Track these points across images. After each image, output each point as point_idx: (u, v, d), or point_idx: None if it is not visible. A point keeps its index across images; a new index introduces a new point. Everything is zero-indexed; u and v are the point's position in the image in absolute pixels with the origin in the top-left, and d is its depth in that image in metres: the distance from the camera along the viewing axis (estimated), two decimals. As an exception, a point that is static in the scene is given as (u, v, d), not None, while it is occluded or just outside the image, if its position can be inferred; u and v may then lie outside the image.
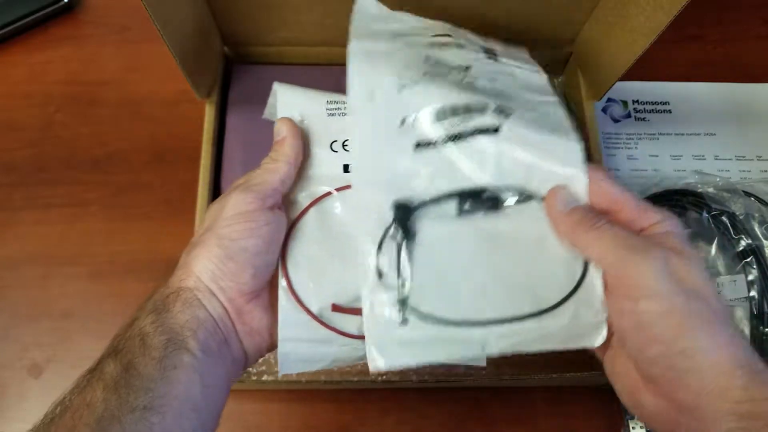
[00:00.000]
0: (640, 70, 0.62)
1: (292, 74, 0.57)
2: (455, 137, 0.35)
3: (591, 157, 0.53)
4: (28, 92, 0.61)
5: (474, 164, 0.35)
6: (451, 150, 0.35)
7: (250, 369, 0.50)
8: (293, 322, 0.34)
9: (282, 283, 0.35)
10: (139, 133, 0.59)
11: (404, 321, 0.33)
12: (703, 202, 0.50)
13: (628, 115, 0.62)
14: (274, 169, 0.35)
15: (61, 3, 0.62)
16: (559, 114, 0.37)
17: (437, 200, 0.35)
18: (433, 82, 0.36)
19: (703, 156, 0.61)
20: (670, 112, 0.63)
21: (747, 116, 0.62)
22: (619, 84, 0.51)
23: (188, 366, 0.29)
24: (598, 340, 0.33)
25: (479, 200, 0.35)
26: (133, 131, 0.59)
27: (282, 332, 0.34)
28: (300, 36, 0.55)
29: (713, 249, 0.50)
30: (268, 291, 0.35)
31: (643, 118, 0.62)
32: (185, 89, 0.49)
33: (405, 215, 0.34)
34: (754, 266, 0.47)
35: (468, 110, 0.35)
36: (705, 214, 0.50)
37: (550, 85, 0.41)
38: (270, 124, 0.38)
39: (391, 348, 0.32)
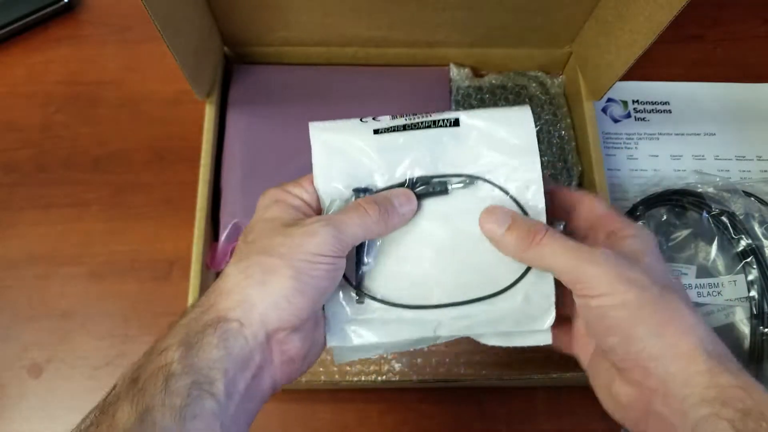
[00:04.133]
0: (640, 70, 0.62)
1: (292, 74, 0.57)
2: (413, 126, 0.36)
3: (590, 157, 0.53)
4: (28, 92, 0.61)
5: (430, 152, 0.35)
6: (409, 137, 0.35)
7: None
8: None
9: None
10: (139, 133, 0.59)
11: (360, 301, 0.35)
12: (703, 202, 0.50)
13: (628, 115, 0.62)
14: (368, 228, 0.33)
15: (61, 3, 0.62)
16: None
17: (392, 187, 0.35)
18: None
19: (703, 156, 0.61)
20: (670, 112, 0.62)
21: (747, 116, 0.62)
22: (619, 84, 0.51)
23: (210, 414, 0.27)
24: (547, 322, 0.34)
25: (428, 185, 0.35)
26: (133, 131, 0.59)
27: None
28: (300, 36, 0.55)
29: (713, 249, 0.50)
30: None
31: (643, 118, 0.62)
32: (185, 89, 0.49)
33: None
34: (754, 266, 0.47)
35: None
36: (705, 214, 0.50)
37: None
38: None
39: (346, 327, 0.35)
